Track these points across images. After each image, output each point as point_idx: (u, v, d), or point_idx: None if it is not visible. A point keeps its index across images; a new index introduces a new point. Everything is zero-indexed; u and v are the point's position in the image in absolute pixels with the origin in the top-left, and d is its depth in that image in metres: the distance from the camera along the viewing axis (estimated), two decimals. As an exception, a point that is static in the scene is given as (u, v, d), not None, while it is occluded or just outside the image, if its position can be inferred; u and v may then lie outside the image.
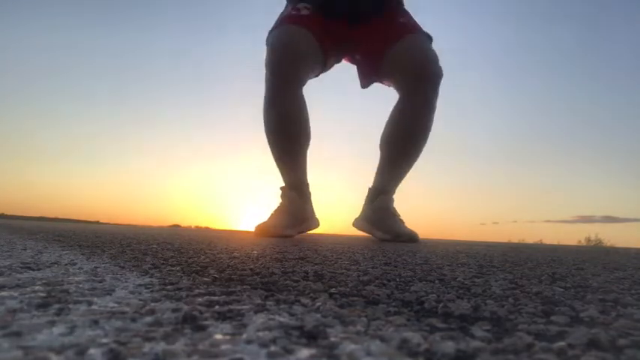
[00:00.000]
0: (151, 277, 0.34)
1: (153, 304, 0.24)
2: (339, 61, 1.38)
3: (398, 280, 0.38)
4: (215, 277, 0.35)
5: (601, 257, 0.93)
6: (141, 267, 0.40)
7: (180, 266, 0.42)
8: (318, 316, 0.23)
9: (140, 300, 0.25)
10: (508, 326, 0.22)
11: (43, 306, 0.22)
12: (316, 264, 0.48)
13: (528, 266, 0.58)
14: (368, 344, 0.18)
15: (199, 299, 0.26)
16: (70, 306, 0.23)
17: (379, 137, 1.34)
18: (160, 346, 0.16)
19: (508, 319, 0.24)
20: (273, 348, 0.17)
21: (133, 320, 0.20)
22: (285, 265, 0.46)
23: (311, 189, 1.37)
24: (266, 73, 1.23)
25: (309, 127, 1.29)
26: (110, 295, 0.26)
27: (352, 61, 1.37)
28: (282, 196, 1.33)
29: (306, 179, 1.35)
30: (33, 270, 0.36)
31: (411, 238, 1.25)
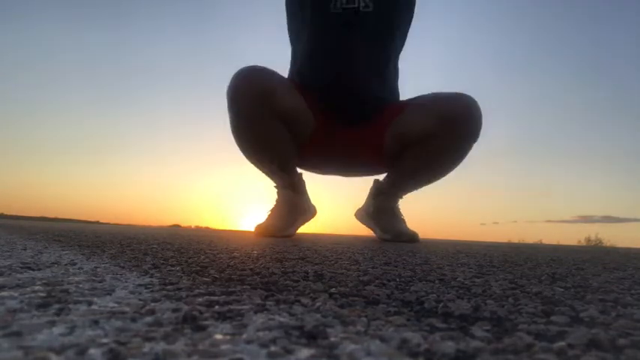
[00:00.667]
0: (151, 277, 0.34)
1: (153, 304, 0.24)
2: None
3: (398, 280, 0.38)
4: (215, 277, 0.35)
5: (601, 257, 0.93)
6: (141, 267, 0.40)
7: (180, 266, 0.42)
8: (318, 316, 0.23)
9: (140, 300, 0.25)
10: (508, 326, 0.22)
11: (43, 306, 0.22)
12: (316, 264, 0.48)
13: (528, 266, 0.58)
14: (368, 344, 0.18)
15: (199, 299, 0.26)
16: (70, 306, 0.23)
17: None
18: (160, 346, 0.16)
19: (508, 319, 0.24)
20: (273, 348, 0.17)
21: (133, 320, 0.20)
22: (285, 265, 0.46)
23: (310, 184, 1.37)
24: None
25: (290, 142, 1.22)
26: (110, 295, 0.26)
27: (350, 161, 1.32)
28: (278, 193, 1.33)
29: (297, 174, 1.33)
30: (33, 270, 0.36)
31: (411, 238, 1.24)
